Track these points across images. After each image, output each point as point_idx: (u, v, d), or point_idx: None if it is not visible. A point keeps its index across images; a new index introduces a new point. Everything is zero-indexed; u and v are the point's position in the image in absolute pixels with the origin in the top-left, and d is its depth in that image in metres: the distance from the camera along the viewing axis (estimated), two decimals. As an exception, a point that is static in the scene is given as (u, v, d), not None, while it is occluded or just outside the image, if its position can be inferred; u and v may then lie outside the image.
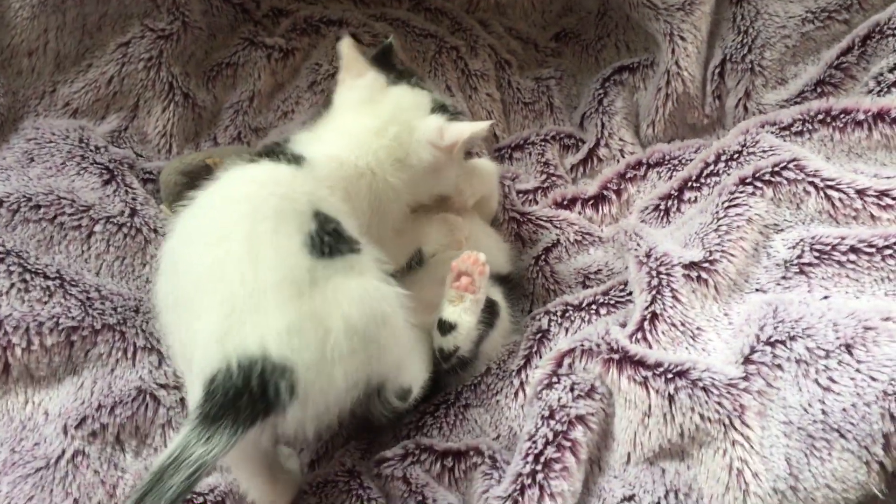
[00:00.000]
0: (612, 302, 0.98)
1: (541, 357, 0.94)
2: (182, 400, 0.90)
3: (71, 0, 1.19)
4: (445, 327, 0.88)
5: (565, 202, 1.20)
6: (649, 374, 0.80)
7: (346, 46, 0.97)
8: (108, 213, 1.02)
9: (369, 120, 0.91)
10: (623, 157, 1.27)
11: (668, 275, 0.91)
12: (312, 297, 0.71)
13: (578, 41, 1.49)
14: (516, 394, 0.93)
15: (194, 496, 0.81)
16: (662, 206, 1.12)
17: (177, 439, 0.65)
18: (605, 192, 1.20)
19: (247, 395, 0.66)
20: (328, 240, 0.74)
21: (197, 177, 1.06)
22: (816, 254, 0.89)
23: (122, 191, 1.07)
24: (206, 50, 1.35)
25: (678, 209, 1.11)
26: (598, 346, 0.85)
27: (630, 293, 0.99)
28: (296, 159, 0.83)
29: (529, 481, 0.77)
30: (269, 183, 0.78)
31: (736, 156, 1.07)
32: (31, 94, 1.20)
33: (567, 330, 0.97)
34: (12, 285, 0.91)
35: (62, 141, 1.12)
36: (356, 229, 0.80)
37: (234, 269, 0.70)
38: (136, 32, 1.24)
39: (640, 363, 0.81)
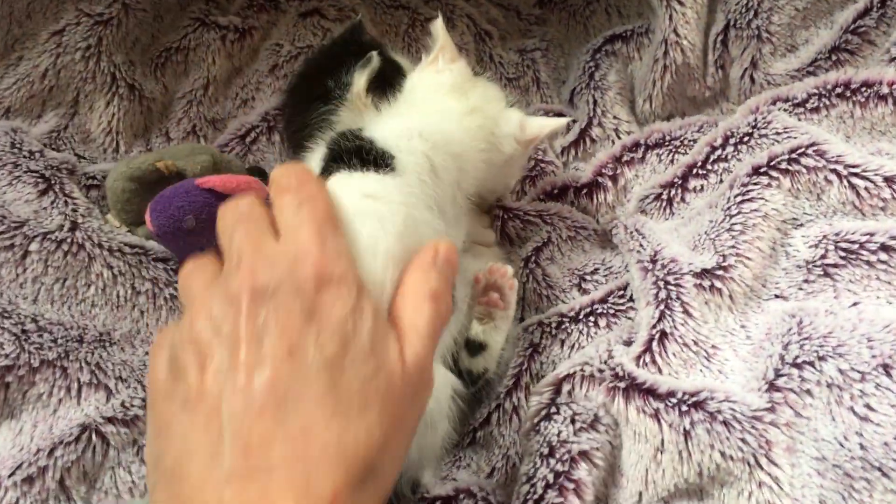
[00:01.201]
0: (611, 312, 0.88)
1: (531, 375, 0.84)
2: (135, 441, 0.80)
3: (-7, -15, 1.06)
4: (475, 348, 0.83)
5: (555, 191, 1.09)
6: (661, 405, 0.71)
7: (441, 27, 0.93)
8: (45, 228, 0.90)
9: (460, 106, 0.87)
10: (618, 137, 1.16)
11: (677, 285, 0.81)
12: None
13: (565, 7, 1.36)
14: (510, 420, 0.83)
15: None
16: (665, 196, 1.01)
17: None
18: (599, 179, 1.09)
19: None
20: None
21: (147, 181, 0.95)
22: (842, 253, 0.80)
23: (61, 201, 0.95)
24: (153, 34, 1.20)
25: (682, 199, 1.00)
26: (600, 371, 0.75)
27: (631, 298, 0.89)
28: (385, 162, 0.73)
29: None
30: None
31: (746, 138, 0.96)
32: (-46, 94, 1.07)
33: (562, 343, 0.87)
34: (-66, 322, 0.80)
35: (-8, 148, 0.99)
36: None
37: None
38: (71, 19, 1.10)
39: (649, 392, 0.72)
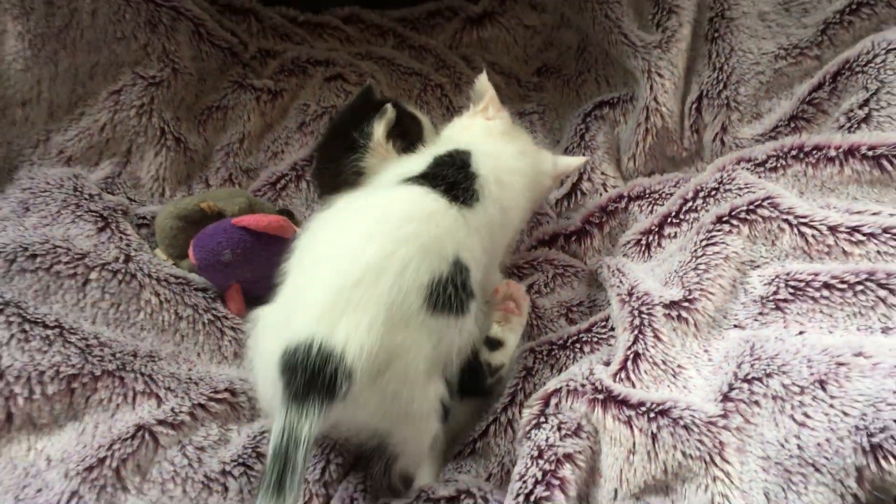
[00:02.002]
0: (595, 339, 1.01)
1: (525, 394, 0.96)
2: (180, 441, 0.91)
3: (63, 51, 1.22)
4: (494, 344, 0.96)
5: (547, 238, 1.23)
6: (633, 412, 0.83)
7: (486, 80, 1.12)
8: (102, 260, 1.04)
9: (511, 149, 1.04)
10: (605, 190, 1.30)
11: (649, 314, 0.94)
12: (396, 335, 0.77)
13: (560, 76, 1.53)
14: (504, 431, 0.95)
15: None
16: (644, 241, 1.15)
17: (279, 420, 0.72)
18: (587, 227, 1.23)
19: (321, 378, 0.73)
20: (448, 292, 0.81)
21: (192, 220, 1.10)
22: (791, 290, 0.92)
23: (117, 237, 1.09)
24: (196, 94, 1.37)
25: (658, 244, 1.14)
26: (583, 385, 0.88)
27: (612, 328, 1.02)
28: (471, 195, 0.91)
29: None
30: (430, 219, 0.84)
31: (713, 192, 1.10)
32: (25, 144, 1.22)
33: (552, 367, 1.00)
34: (12, 336, 0.92)
35: (56, 190, 1.14)
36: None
37: (357, 268, 0.76)
38: (128, 80, 1.27)
39: (623, 402, 0.84)
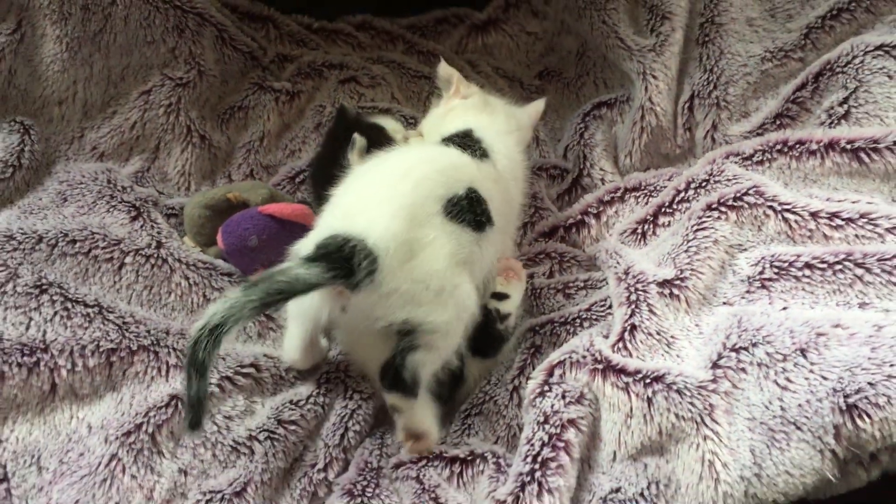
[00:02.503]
0: (594, 317, 1.08)
1: (532, 367, 1.03)
2: (209, 412, 0.97)
3: (98, 53, 1.31)
4: (501, 296, 1.07)
5: (548, 230, 1.31)
6: (630, 379, 0.89)
7: (447, 66, 1.26)
8: (136, 245, 1.11)
9: (496, 119, 1.19)
10: (604, 184, 1.38)
11: (644, 291, 1.01)
12: (417, 230, 0.91)
13: (560, 79, 1.61)
14: (511, 397, 1.02)
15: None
16: (639, 230, 1.22)
17: (284, 265, 0.86)
18: (585, 218, 1.31)
19: (342, 257, 0.86)
20: (463, 208, 0.96)
21: (218, 210, 1.17)
22: (776, 270, 0.98)
23: (148, 225, 1.17)
24: (220, 95, 1.46)
25: (654, 232, 1.21)
26: (584, 357, 0.94)
27: (611, 307, 1.09)
28: (483, 153, 1.09)
29: (529, 479, 0.85)
30: (446, 153, 1.04)
31: (704, 184, 1.17)
32: (61, 140, 1.31)
33: (555, 344, 1.06)
34: (56, 313, 0.99)
35: (91, 182, 1.22)
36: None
37: (386, 171, 0.98)
38: (157, 81, 1.36)
39: (621, 371, 0.90)
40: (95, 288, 1.07)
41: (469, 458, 0.95)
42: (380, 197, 0.93)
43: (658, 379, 0.88)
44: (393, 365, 0.92)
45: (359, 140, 1.17)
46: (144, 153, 1.35)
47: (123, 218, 1.17)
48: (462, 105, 1.22)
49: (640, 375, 0.89)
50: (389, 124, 1.25)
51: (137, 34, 1.36)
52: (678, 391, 0.86)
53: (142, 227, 1.16)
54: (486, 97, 1.24)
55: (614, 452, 0.90)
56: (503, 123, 1.19)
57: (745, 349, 0.88)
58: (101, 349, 0.98)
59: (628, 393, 0.89)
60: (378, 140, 1.20)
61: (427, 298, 0.91)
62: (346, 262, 0.86)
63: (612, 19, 1.44)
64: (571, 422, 0.90)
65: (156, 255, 1.12)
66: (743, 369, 0.87)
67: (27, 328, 0.98)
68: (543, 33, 1.68)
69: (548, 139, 1.53)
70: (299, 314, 0.98)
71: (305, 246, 0.91)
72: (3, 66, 1.25)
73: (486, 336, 1.05)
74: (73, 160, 1.30)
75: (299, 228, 1.12)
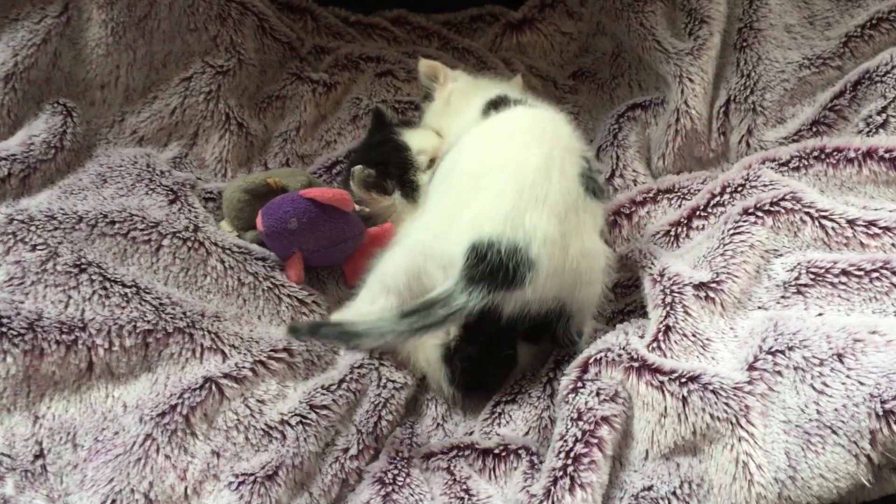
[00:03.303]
0: (627, 311, 1.09)
1: (568, 363, 1.03)
2: (242, 395, 0.98)
3: (141, 39, 1.32)
4: None
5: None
6: (665, 379, 0.89)
7: (426, 60, 1.29)
8: (174, 228, 1.12)
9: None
10: (636, 185, 1.38)
11: (679, 293, 1.01)
12: (569, 221, 0.94)
13: (594, 80, 1.61)
14: (544, 389, 1.02)
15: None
16: (672, 233, 1.22)
17: (443, 286, 0.91)
18: (616, 218, 1.31)
19: (503, 271, 0.90)
20: (592, 180, 1.00)
21: (257, 194, 1.18)
22: (812, 276, 0.98)
23: (186, 209, 1.18)
24: (258, 84, 1.47)
25: (687, 235, 1.20)
26: (619, 356, 0.95)
27: (643, 307, 1.09)
28: None
29: (561, 474, 0.85)
30: (555, 122, 1.05)
31: (739, 188, 1.17)
32: (102, 123, 1.32)
33: (588, 342, 1.06)
34: (94, 292, 1.00)
35: (131, 166, 1.23)
36: None
37: (530, 171, 0.94)
38: (198, 68, 1.37)
39: (656, 370, 0.90)
40: (133, 269, 1.07)
41: (502, 453, 0.96)
42: (530, 198, 0.93)
43: (694, 379, 0.88)
44: (563, 334, 0.99)
45: (358, 172, 1.19)
46: (183, 139, 1.36)
47: (162, 201, 1.18)
48: (463, 83, 1.26)
49: (675, 375, 0.89)
50: (419, 142, 1.24)
51: (181, 21, 1.37)
52: (714, 391, 0.86)
53: (179, 210, 1.17)
54: (476, 77, 1.29)
55: (647, 451, 0.90)
56: (509, 87, 1.23)
57: (782, 352, 0.88)
58: (137, 330, 0.99)
59: (663, 392, 0.89)
60: (397, 162, 1.22)
61: (578, 280, 0.96)
62: (507, 276, 0.89)
63: (649, 22, 1.44)
64: (605, 419, 0.90)
65: (193, 239, 1.13)
66: (779, 372, 0.86)
67: (66, 306, 0.99)
68: (578, 34, 1.68)
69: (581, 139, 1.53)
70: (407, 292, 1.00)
71: (453, 258, 0.93)
72: (48, 48, 1.26)
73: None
74: (113, 144, 1.31)
75: (338, 214, 1.14)
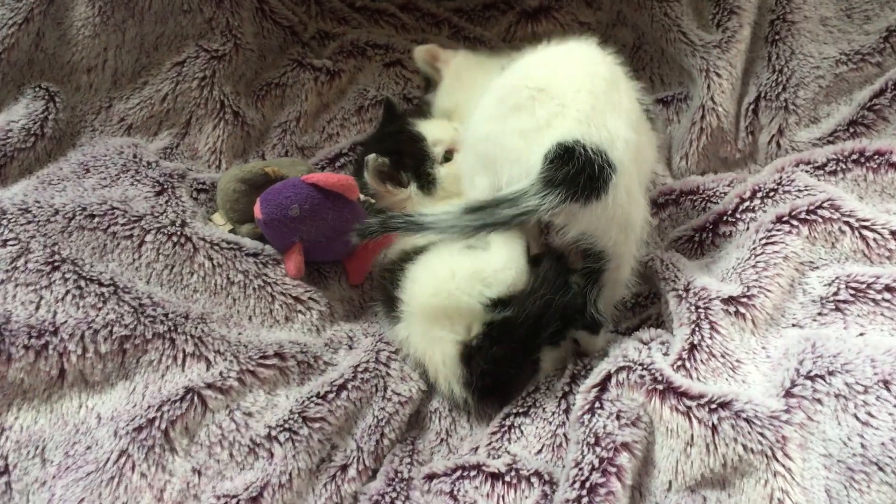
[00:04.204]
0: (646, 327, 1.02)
1: (585, 377, 0.95)
2: (227, 406, 0.91)
3: (131, 20, 1.24)
4: None
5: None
6: (693, 404, 0.82)
7: (420, 47, 1.24)
8: (159, 223, 1.05)
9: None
10: (655, 188, 1.29)
11: (706, 308, 0.93)
12: (638, 135, 0.91)
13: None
14: (559, 404, 0.95)
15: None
16: (697, 238, 1.14)
17: (516, 187, 0.87)
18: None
19: (585, 175, 0.85)
20: (645, 108, 0.99)
21: (255, 184, 1.11)
22: (852, 291, 0.91)
23: (174, 202, 1.10)
24: (256, 70, 1.39)
25: (712, 242, 1.13)
26: (641, 377, 0.86)
27: (663, 323, 1.01)
28: None
29: None
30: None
31: (772, 193, 1.09)
32: (88, 110, 1.24)
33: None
34: (68, 292, 0.93)
35: (116, 156, 1.15)
36: None
37: (600, 81, 0.91)
38: (191, 52, 1.29)
39: (683, 394, 0.83)
40: (113, 265, 1.00)
41: (513, 479, 0.88)
42: (606, 101, 0.90)
43: (725, 405, 0.81)
44: (586, 308, 0.94)
45: (372, 161, 1.12)
46: (174, 128, 1.28)
47: (147, 192, 1.10)
48: (465, 57, 1.24)
49: (704, 400, 0.82)
50: (435, 133, 1.17)
51: (174, 1, 1.28)
52: (747, 420, 0.79)
53: (166, 202, 1.10)
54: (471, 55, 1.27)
55: (670, 482, 0.83)
56: None
57: (822, 377, 0.81)
58: (114, 335, 0.92)
59: (690, 418, 0.82)
60: (412, 152, 1.15)
61: (627, 223, 0.91)
62: (589, 181, 0.85)
63: (674, 12, 1.35)
64: (625, 445, 0.83)
65: (179, 234, 1.05)
66: (819, 400, 0.80)
67: (37, 308, 0.91)
68: (597, 24, 1.59)
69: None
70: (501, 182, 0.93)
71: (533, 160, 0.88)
72: (30, 28, 1.18)
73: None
74: (99, 132, 1.23)
75: (343, 202, 1.07)
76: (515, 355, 0.95)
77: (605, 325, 0.98)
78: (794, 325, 0.93)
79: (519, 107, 0.91)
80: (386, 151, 1.14)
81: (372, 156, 1.12)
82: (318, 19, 1.53)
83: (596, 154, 0.86)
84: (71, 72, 1.23)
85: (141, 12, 1.25)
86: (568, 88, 0.91)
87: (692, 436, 0.81)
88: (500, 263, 0.96)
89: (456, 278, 0.97)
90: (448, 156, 1.16)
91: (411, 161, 1.15)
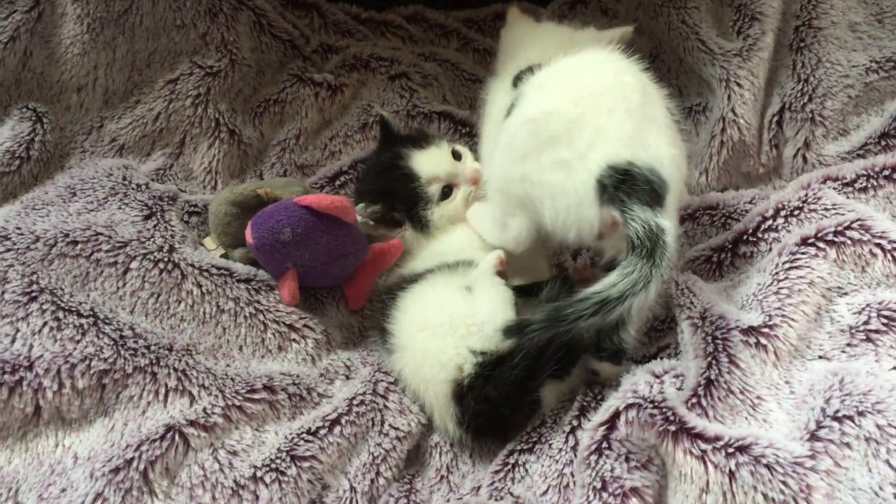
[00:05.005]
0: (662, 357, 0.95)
1: (595, 410, 0.89)
2: (212, 444, 0.87)
3: (122, 36, 1.21)
4: None
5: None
6: (708, 447, 0.75)
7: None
8: (145, 249, 1.01)
9: None
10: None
11: (724, 339, 0.86)
12: (677, 149, 0.88)
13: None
14: (566, 440, 0.88)
15: None
16: (715, 259, 1.07)
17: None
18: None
19: (650, 188, 0.82)
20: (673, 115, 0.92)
21: (247, 207, 1.06)
22: (884, 320, 0.85)
23: (162, 227, 1.06)
24: (255, 86, 1.35)
25: (732, 263, 1.06)
26: (652, 415, 0.79)
27: (678, 353, 0.94)
28: None
29: None
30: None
31: (796, 212, 1.02)
32: (78, 130, 1.21)
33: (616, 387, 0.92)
34: (45, 324, 0.89)
35: (105, 178, 1.11)
36: None
37: (632, 95, 0.87)
38: (185, 69, 1.25)
39: (698, 436, 0.76)
40: (95, 294, 0.96)
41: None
42: (642, 117, 0.86)
43: (743, 449, 0.74)
44: (612, 336, 0.88)
45: (361, 210, 1.08)
46: (168, 147, 1.24)
47: (135, 216, 1.06)
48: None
49: (720, 443, 0.75)
50: (430, 168, 1.09)
51: (166, 17, 1.25)
52: (768, 466, 0.72)
53: (155, 227, 1.06)
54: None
55: (683, 531, 0.75)
56: None
57: (850, 418, 0.75)
58: (92, 369, 0.88)
59: (705, 463, 0.75)
60: (405, 194, 1.09)
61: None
62: (654, 194, 0.82)
63: (692, 19, 1.28)
64: (634, 490, 0.76)
65: (166, 260, 1.01)
66: (847, 444, 0.73)
67: (12, 341, 0.88)
68: (613, 34, 1.53)
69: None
70: (544, 218, 0.89)
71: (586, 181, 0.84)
72: (17, 47, 1.15)
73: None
74: (89, 153, 1.20)
75: (338, 225, 1.03)
76: (511, 396, 0.88)
77: (628, 354, 0.91)
78: (820, 357, 0.87)
79: (555, 139, 0.86)
80: (377, 192, 1.10)
81: (360, 206, 1.08)
82: (322, 32, 1.49)
83: (651, 173, 0.82)
84: (60, 91, 1.20)
85: (132, 29, 1.22)
86: (603, 108, 0.86)
87: (708, 482, 0.74)
88: (485, 316, 0.90)
89: (444, 316, 0.93)
90: (447, 191, 1.09)
91: (403, 204, 1.09)
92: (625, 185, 0.81)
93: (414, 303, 0.97)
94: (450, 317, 0.92)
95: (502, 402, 0.88)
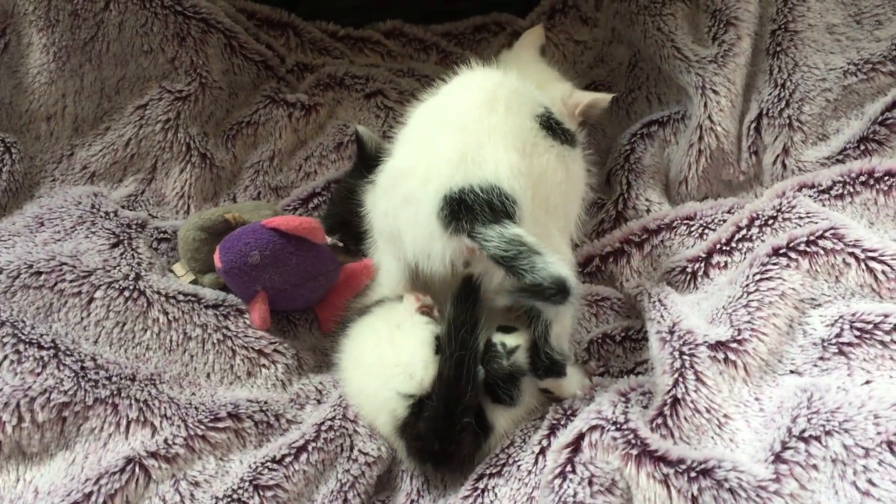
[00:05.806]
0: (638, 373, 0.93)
1: (565, 427, 0.86)
2: (174, 475, 0.85)
3: (89, 64, 1.21)
4: (507, 329, 0.92)
5: (581, 261, 1.13)
6: (671, 471, 0.73)
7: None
8: (111, 277, 1.00)
9: None
10: (649, 214, 1.20)
11: (691, 355, 0.84)
12: (531, 159, 0.85)
13: (609, 93, 1.43)
14: (536, 461, 0.86)
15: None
16: (689, 269, 1.05)
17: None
18: (625, 247, 1.13)
19: (490, 208, 0.80)
20: (554, 123, 0.91)
21: (215, 232, 1.06)
22: (857, 332, 0.83)
23: (129, 255, 1.06)
24: (227, 108, 1.34)
25: (706, 273, 1.04)
26: (614, 439, 0.77)
27: (652, 369, 0.92)
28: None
29: None
30: (507, 77, 0.94)
31: (770, 221, 1.00)
32: (48, 159, 1.21)
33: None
34: (5, 357, 0.89)
35: (74, 207, 1.11)
36: None
37: (470, 110, 0.86)
38: (154, 94, 1.25)
39: (661, 459, 0.74)
40: (58, 325, 0.96)
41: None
42: (483, 130, 0.85)
43: (706, 473, 0.72)
44: (540, 352, 0.87)
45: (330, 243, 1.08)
46: (140, 173, 1.24)
47: (102, 244, 1.06)
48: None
49: (683, 467, 0.73)
50: None
51: (133, 43, 1.25)
52: (731, 490, 0.71)
53: (122, 255, 1.05)
54: None
55: (648, 556, 0.73)
56: None
57: (817, 439, 0.73)
58: (52, 402, 0.87)
59: (668, 487, 0.73)
60: (357, 220, 1.06)
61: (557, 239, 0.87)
62: (501, 210, 0.80)
63: (668, 26, 1.26)
64: (598, 516, 0.74)
65: (132, 287, 1.00)
66: (814, 465, 0.72)
67: (-29, 375, 0.87)
68: (593, 42, 1.50)
69: (590, 163, 1.35)
70: (407, 255, 0.88)
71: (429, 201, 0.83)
72: (-16, 78, 1.16)
73: (494, 376, 0.90)
74: (60, 181, 1.20)
75: (308, 246, 1.02)
76: (440, 429, 0.86)
77: (568, 362, 0.89)
78: (792, 372, 0.85)
79: (404, 171, 0.87)
80: (337, 219, 1.11)
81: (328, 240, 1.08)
82: (298, 51, 1.48)
83: (488, 192, 0.80)
84: (30, 121, 1.20)
85: (99, 56, 1.22)
86: (437, 128, 0.87)
87: (670, 506, 0.72)
88: (405, 357, 0.89)
89: (374, 356, 0.92)
90: None
91: (356, 236, 1.07)
92: (464, 213, 0.80)
93: (354, 338, 0.96)
94: (379, 357, 0.91)
95: (435, 436, 0.86)
